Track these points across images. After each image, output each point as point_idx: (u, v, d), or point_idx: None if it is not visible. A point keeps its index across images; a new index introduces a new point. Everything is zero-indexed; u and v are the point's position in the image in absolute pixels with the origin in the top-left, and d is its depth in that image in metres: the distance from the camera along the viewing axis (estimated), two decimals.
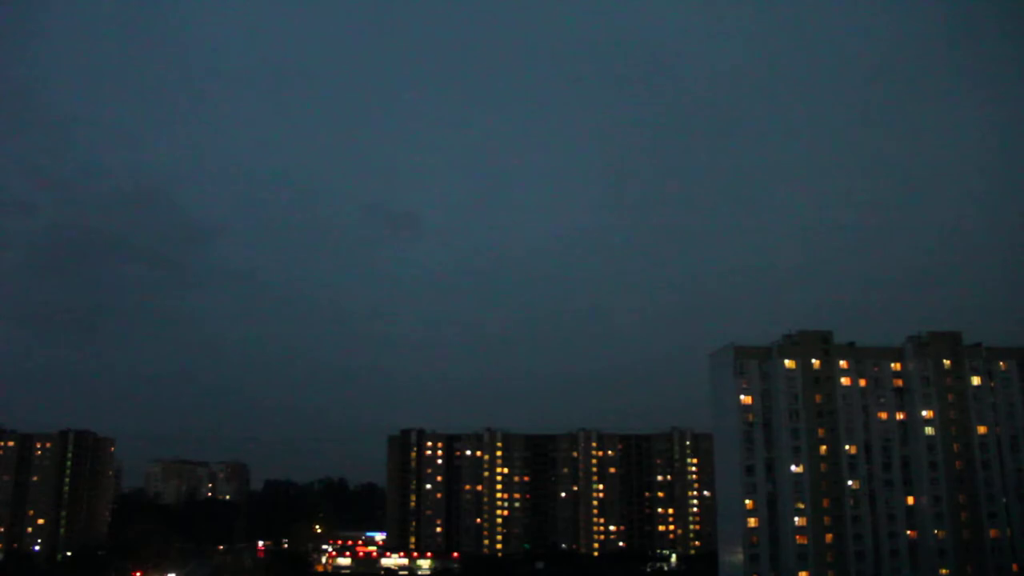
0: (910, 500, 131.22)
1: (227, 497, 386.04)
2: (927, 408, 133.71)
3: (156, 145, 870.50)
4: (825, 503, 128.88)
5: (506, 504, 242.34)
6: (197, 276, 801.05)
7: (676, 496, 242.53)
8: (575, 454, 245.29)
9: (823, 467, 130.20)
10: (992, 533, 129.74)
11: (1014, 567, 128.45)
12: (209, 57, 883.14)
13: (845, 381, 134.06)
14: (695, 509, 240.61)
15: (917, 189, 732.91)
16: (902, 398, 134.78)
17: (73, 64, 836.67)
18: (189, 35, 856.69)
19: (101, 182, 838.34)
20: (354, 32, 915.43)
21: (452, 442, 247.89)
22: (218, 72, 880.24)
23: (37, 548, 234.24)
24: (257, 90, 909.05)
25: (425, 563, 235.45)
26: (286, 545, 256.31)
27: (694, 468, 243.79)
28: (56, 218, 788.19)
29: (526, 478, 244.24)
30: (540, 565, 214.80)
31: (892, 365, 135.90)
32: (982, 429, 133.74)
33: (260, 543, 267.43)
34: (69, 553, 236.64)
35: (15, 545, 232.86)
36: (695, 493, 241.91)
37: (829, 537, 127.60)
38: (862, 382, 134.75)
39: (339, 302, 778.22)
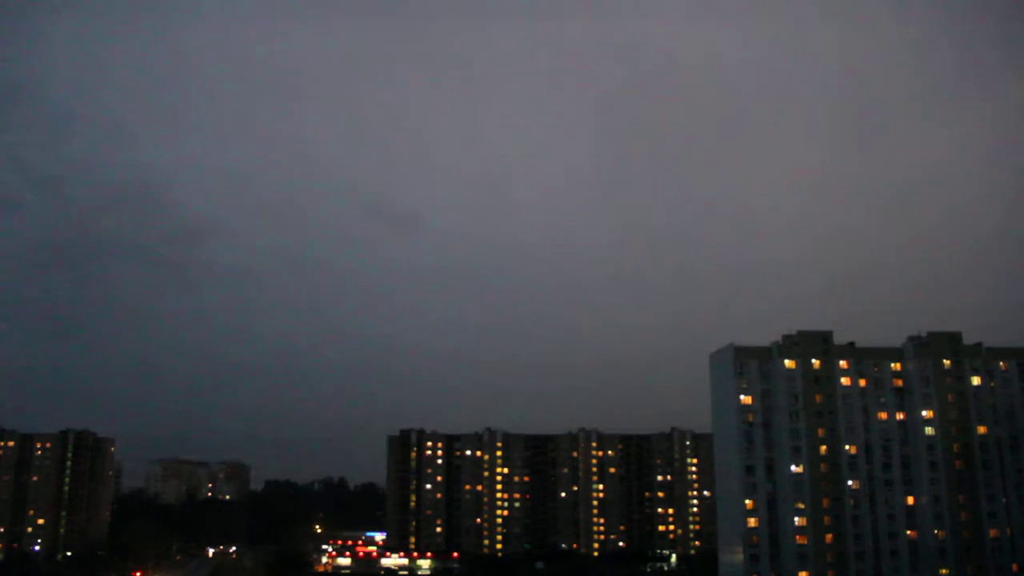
0: (910, 500, 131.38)
1: (227, 497, 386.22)
2: (927, 408, 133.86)
3: (152, 142, 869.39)
4: (825, 503, 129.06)
5: (506, 504, 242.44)
6: (196, 275, 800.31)
7: (676, 496, 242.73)
8: (575, 454, 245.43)
9: (823, 467, 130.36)
10: (992, 533, 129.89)
11: (1014, 567, 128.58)
12: (205, 53, 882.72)
13: (845, 381, 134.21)
14: (695, 509, 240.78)
15: (918, 188, 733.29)
16: (902, 398, 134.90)
17: (68, 60, 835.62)
18: (185, 31, 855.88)
19: (97, 180, 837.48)
20: (353, 30, 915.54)
21: (452, 442, 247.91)
22: (215, 68, 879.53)
23: (37, 548, 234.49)
24: (255, 87, 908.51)
25: (425, 563, 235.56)
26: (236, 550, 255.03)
27: (694, 468, 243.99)
28: (51, 216, 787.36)
29: (526, 478, 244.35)
30: (540, 565, 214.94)
31: (892, 365, 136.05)
32: (982, 429, 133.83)
33: (231, 548, 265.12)
34: (69, 553, 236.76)
35: (15, 545, 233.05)
36: (695, 493, 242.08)
37: (829, 537, 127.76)
38: (862, 382, 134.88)
39: (339, 300, 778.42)
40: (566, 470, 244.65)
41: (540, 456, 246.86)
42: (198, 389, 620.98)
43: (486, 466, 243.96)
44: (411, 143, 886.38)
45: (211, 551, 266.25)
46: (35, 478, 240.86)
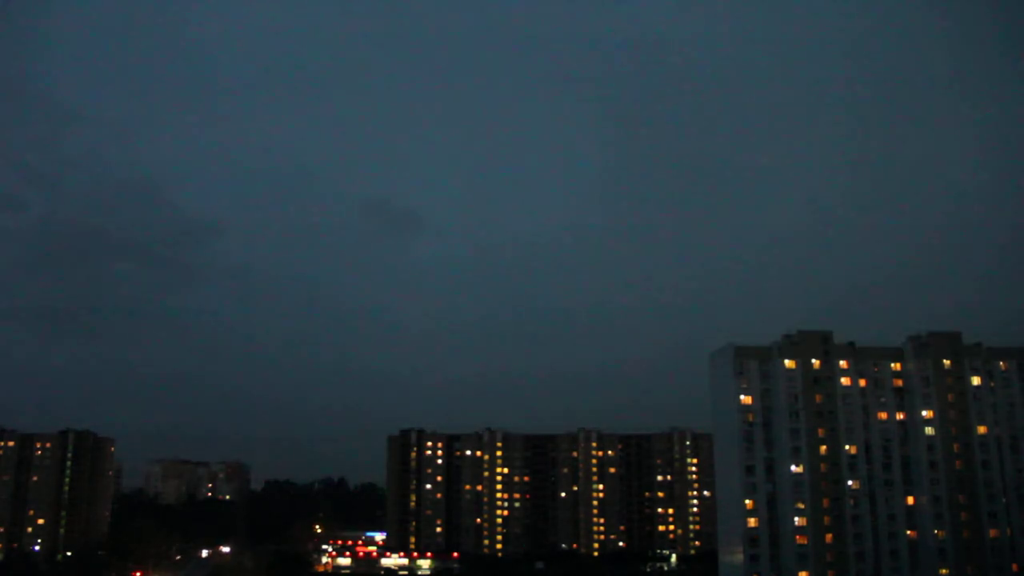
0: (910, 500, 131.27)
1: (227, 497, 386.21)
2: (927, 408, 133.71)
3: (152, 141, 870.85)
4: (825, 503, 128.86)
5: (506, 504, 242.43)
6: (196, 274, 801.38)
7: (676, 496, 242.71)
8: (575, 454, 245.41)
9: (823, 467, 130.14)
10: (992, 533, 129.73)
11: (1014, 567, 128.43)
12: (207, 52, 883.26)
13: (845, 381, 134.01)
14: (695, 509, 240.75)
15: (917, 188, 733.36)
16: (902, 398, 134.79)
17: (69, 58, 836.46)
18: (187, 30, 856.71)
19: (97, 178, 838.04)
20: (353, 29, 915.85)
21: (452, 442, 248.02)
22: (216, 68, 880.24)
23: (37, 548, 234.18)
24: (255, 86, 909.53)
25: (425, 563, 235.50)
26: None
27: (694, 468, 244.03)
28: (51, 215, 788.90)
29: (526, 478, 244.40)
30: (540, 565, 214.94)
31: (892, 365, 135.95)
32: (982, 429, 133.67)
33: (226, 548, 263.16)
34: (69, 553, 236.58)
35: (15, 545, 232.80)
36: (695, 493, 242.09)
37: (829, 537, 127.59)
38: (862, 382, 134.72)
39: (339, 300, 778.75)
40: (566, 470, 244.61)
41: (540, 456, 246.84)
42: (198, 389, 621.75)
43: (486, 466, 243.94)
44: (411, 143, 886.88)
45: (205, 552, 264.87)
46: (35, 478, 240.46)
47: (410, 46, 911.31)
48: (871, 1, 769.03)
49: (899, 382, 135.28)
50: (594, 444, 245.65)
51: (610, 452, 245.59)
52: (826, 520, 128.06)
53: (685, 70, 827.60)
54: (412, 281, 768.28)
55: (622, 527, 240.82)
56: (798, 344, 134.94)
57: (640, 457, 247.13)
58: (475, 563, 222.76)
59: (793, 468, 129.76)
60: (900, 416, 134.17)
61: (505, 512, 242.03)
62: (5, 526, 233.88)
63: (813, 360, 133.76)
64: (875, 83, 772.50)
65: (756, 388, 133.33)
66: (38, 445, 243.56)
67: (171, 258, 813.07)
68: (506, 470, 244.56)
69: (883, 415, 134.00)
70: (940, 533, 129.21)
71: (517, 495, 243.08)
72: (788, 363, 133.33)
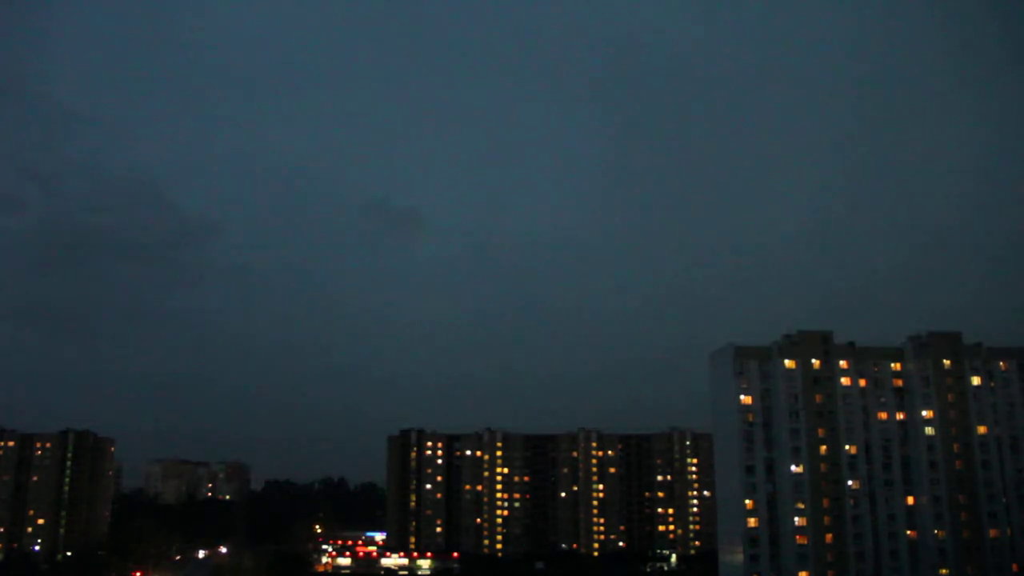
0: (910, 500, 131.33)
1: (227, 497, 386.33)
2: (927, 408, 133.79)
3: (152, 141, 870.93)
4: (825, 503, 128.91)
5: (506, 504, 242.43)
6: (196, 274, 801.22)
7: (676, 496, 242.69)
8: (575, 454, 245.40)
9: (823, 467, 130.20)
10: (992, 533, 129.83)
11: (1014, 567, 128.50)
12: (206, 53, 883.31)
13: (845, 381, 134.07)
14: (695, 509, 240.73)
15: (917, 188, 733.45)
16: (902, 398, 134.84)
17: (69, 58, 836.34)
18: (185, 30, 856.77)
19: (97, 178, 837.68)
20: (353, 27, 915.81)
21: (452, 442, 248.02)
22: (215, 67, 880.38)
23: (37, 548, 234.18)
24: (254, 85, 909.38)
25: (425, 563, 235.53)
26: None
27: (694, 468, 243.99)
28: (51, 215, 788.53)
29: (526, 478, 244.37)
30: (540, 565, 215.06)
31: (892, 365, 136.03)
32: (982, 429, 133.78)
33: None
34: (69, 553, 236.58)
35: (15, 545, 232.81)
36: (695, 493, 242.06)
37: (829, 537, 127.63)
38: (862, 382, 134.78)
39: (339, 300, 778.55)
40: (566, 470, 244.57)
41: (540, 456, 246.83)
42: (198, 389, 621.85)
43: (486, 466, 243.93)
44: (411, 143, 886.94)
45: (202, 552, 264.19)
46: (35, 478, 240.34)
47: (410, 46, 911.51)
48: (872, 1, 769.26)
49: (899, 382, 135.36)
50: (594, 444, 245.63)
51: (610, 452, 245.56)
52: (826, 520, 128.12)
53: (685, 70, 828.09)
54: (412, 281, 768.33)
55: (622, 527, 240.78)
56: (798, 344, 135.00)
57: (640, 457, 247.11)
58: (475, 563, 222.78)
59: (793, 468, 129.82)
60: (900, 416, 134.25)
61: (505, 512, 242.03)
62: (5, 526, 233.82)
63: (813, 360, 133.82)
64: (875, 83, 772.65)
65: (756, 388, 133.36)
66: (38, 445, 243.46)
67: (171, 258, 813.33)
68: (506, 470, 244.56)
69: (883, 415, 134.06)
70: (940, 533, 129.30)
71: (517, 495, 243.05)
72: (788, 363, 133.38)
